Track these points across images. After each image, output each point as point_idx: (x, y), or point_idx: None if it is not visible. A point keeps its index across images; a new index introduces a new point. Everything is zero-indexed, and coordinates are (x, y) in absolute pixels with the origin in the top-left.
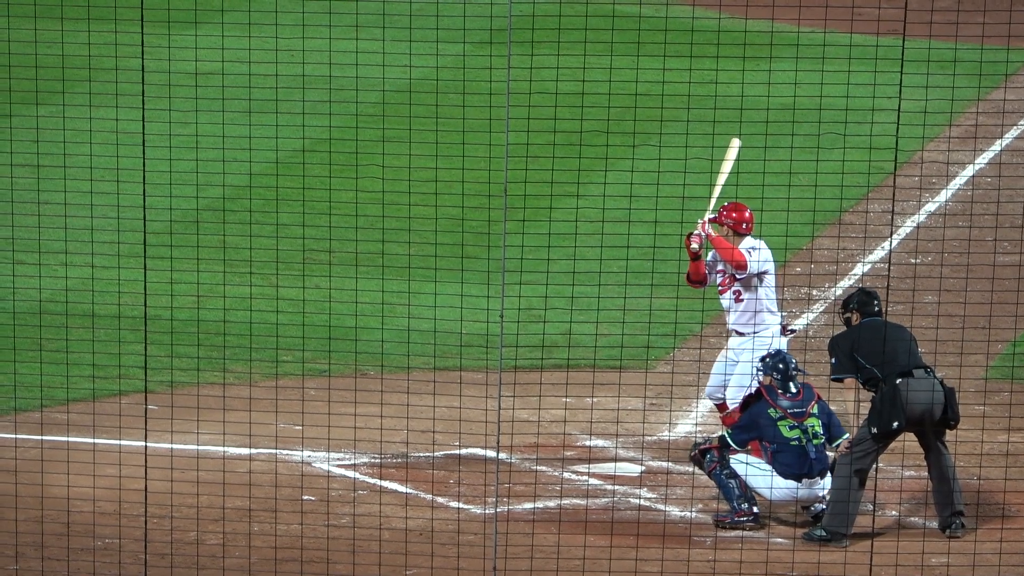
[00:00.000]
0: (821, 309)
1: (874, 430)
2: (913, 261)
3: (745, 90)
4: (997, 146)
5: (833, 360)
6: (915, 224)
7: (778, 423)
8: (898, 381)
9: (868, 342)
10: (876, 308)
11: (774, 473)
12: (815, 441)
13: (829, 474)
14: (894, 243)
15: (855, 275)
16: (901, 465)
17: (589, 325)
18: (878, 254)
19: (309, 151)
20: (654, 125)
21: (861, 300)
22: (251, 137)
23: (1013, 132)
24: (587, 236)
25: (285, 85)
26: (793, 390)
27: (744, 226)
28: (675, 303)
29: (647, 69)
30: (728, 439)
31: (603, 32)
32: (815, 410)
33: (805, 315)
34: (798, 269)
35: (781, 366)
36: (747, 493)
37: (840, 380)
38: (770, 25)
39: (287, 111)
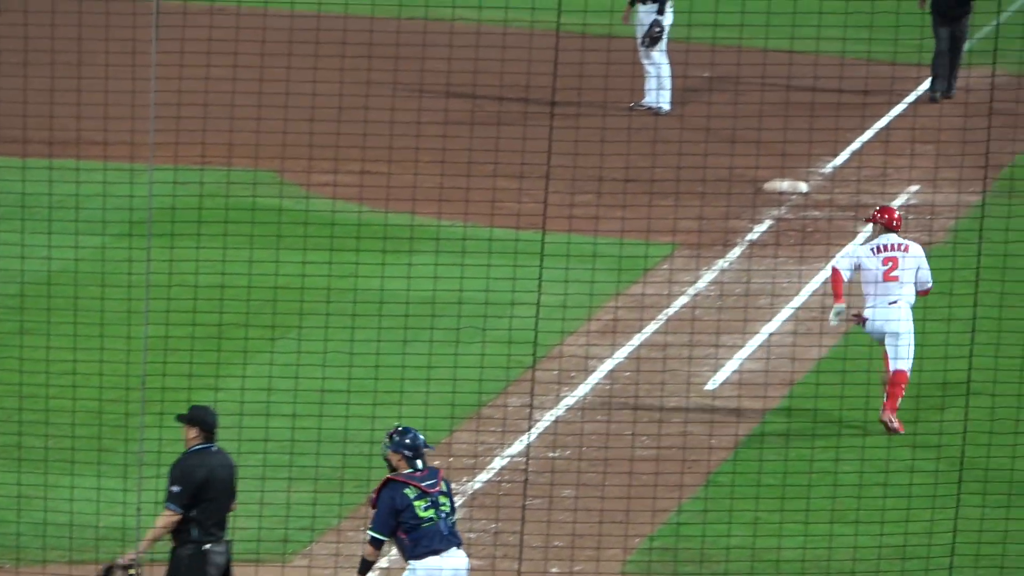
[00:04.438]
0: (459, 503)
1: None
2: (552, 455)
3: (385, 283)
4: (636, 340)
5: (176, 488)
6: (554, 418)
7: (414, 503)
8: (206, 547)
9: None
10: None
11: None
12: (448, 519)
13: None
14: (532, 437)
15: (493, 468)
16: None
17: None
18: (516, 447)
19: None
20: (293, 318)
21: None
22: None
23: (652, 326)
24: (225, 430)
25: None
26: (420, 467)
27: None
28: (313, 496)
29: (287, 262)
30: (374, 534)
31: (243, 225)
32: (444, 487)
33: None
34: (436, 462)
35: (408, 442)
36: None
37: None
38: (411, 218)
39: None
